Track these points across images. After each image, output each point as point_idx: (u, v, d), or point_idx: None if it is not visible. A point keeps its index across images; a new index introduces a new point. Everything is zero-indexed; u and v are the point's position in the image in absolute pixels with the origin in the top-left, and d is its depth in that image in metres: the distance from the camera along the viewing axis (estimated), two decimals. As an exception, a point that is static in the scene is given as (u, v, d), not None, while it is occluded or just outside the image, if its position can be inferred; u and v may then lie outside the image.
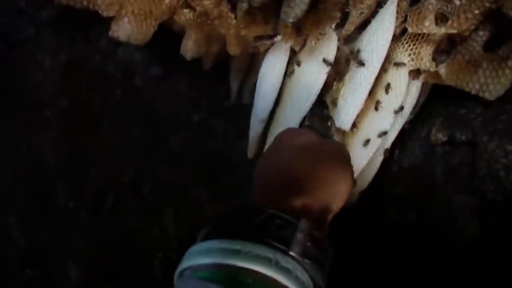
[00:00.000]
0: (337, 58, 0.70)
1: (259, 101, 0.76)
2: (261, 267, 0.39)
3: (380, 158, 0.73)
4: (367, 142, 0.71)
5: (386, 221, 0.74)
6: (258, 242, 0.40)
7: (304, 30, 0.68)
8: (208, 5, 0.68)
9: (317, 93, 0.71)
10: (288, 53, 0.73)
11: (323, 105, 0.72)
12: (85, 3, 0.67)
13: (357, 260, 0.72)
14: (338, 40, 0.69)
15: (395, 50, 0.68)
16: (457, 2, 0.60)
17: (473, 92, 0.63)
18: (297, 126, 0.73)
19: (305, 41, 0.71)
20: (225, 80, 0.84)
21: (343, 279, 0.48)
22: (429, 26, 0.62)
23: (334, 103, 0.71)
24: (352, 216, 0.59)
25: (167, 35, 0.75)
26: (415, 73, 0.69)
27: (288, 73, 0.74)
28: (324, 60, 0.69)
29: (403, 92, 0.69)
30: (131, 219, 0.85)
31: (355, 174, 0.71)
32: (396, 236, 0.72)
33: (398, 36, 0.67)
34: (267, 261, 0.39)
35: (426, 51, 0.66)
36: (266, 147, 0.78)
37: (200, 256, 0.41)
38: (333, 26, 0.68)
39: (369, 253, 0.74)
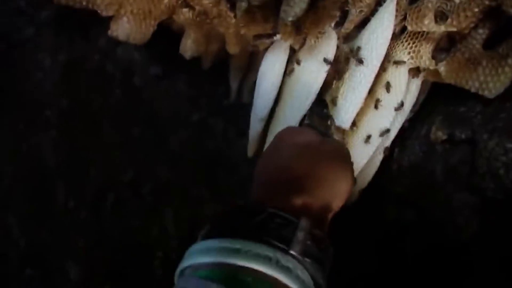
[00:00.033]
0: (336, 57, 0.70)
1: (258, 100, 0.76)
2: (261, 266, 0.39)
3: (380, 157, 0.73)
4: (368, 138, 0.71)
5: (386, 219, 0.74)
6: (259, 241, 0.40)
7: (303, 29, 0.68)
8: (207, 4, 0.68)
9: (317, 92, 0.71)
10: (287, 51, 0.73)
11: (322, 104, 0.72)
12: (84, 3, 0.67)
13: (357, 259, 0.72)
14: (338, 38, 0.69)
15: (394, 49, 0.68)
16: (457, 0, 0.60)
17: (473, 90, 0.63)
18: (297, 125, 0.73)
19: (304, 39, 0.71)
20: (224, 79, 0.84)
21: (343, 277, 0.48)
22: (428, 24, 0.62)
23: (334, 102, 0.71)
24: (352, 215, 0.60)
25: (166, 35, 0.74)
26: (414, 72, 0.69)
27: (287, 72, 0.74)
28: (324, 59, 0.69)
29: (403, 91, 0.69)
30: (131, 219, 0.85)
31: (356, 172, 0.71)
32: (396, 234, 0.72)
33: (398, 34, 0.67)
34: (268, 260, 0.39)
35: (426, 49, 0.66)
36: (266, 146, 0.78)
37: (200, 255, 0.41)
38: (333, 24, 0.68)
39: (369, 252, 0.74)
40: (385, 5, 0.64)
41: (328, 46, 0.69)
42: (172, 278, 0.44)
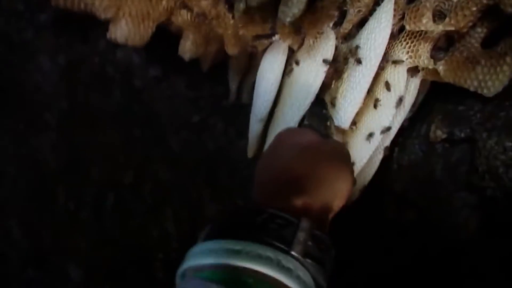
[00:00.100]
0: (335, 57, 0.70)
1: (258, 101, 0.76)
2: (262, 267, 0.39)
3: (380, 156, 0.73)
4: (370, 136, 0.71)
5: (386, 219, 0.74)
6: (260, 242, 0.40)
7: (302, 29, 0.68)
8: (205, 5, 0.68)
9: (316, 92, 0.71)
10: (286, 52, 0.73)
11: (322, 104, 0.72)
12: (82, 6, 0.67)
13: (357, 259, 0.72)
14: (336, 38, 0.69)
15: (393, 48, 0.68)
16: (455, -1, 0.60)
17: (472, 89, 0.63)
18: (296, 125, 0.73)
19: (303, 40, 0.71)
20: (223, 80, 0.84)
21: (343, 277, 0.48)
22: (426, 23, 0.62)
23: (333, 102, 0.71)
24: (352, 215, 0.60)
25: (165, 36, 0.74)
26: (413, 71, 0.69)
27: (286, 72, 0.74)
28: (323, 59, 0.69)
29: (402, 90, 0.69)
30: (132, 220, 0.85)
31: (357, 171, 0.71)
32: (396, 233, 0.72)
33: (396, 34, 0.67)
34: (269, 261, 0.39)
35: (424, 49, 0.66)
36: (266, 146, 0.78)
37: (201, 256, 0.41)
38: (331, 24, 0.68)
39: (369, 251, 0.74)
40: (383, 4, 0.64)
41: (327, 46, 0.69)
42: (173, 279, 0.44)
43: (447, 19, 0.60)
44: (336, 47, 0.70)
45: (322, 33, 0.69)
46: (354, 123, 0.71)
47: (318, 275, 0.41)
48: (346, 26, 0.68)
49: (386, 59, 0.68)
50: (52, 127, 0.81)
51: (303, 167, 0.50)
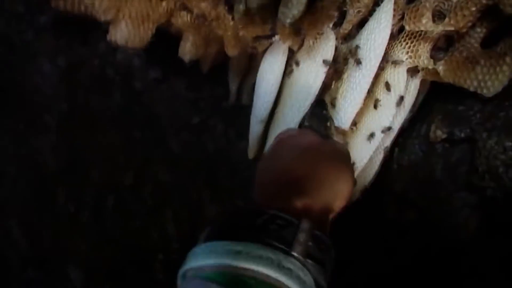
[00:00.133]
0: (335, 57, 0.70)
1: (258, 102, 0.76)
2: (263, 267, 0.39)
3: (380, 157, 0.73)
4: (371, 136, 0.71)
5: (386, 219, 0.74)
6: (260, 243, 0.40)
7: (302, 30, 0.68)
8: (205, 7, 0.68)
9: (316, 93, 0.71)
10: (286, 53, 0.73)
11: (322, 105, 0.72)
12: (82, 8, 0.67)
13: (358, 259, 0.72)
14: (336, 39, 0.69)
15: (393, 48, 0.68)
16: (454, -1, 0.60)
17: (471, 89, 0.63)
18: (297, 126, 0.73)
19: (303, 40, 0.71)
20: (223, 81, 0.84)
21: (343, 277, 0.48)
22: (426, 23, 0.62)
23: (333, 103, 0.71)
24: (352, 215, 0.60)
25: (165, 38, 0.74)
26: (413, 71, 0.69)
27: (286, 73, 0.74)
28: (323, 60, 0.69)
29: (402, 90, 0.69)
30: (132, 221, 0.85)
31: (359, 170, 0.71)
32: (396, 233, 0.72)
33: (396, 34, 0.67)
34: (269, 262, 0.39)
35: (424, 49, 0.66)
36: (266, 147, 0.78)
37: (203, 257, 0.41)
38: (331, 25, 0.68)
39: (370, 251, 0.74)
40: (382, 5, 0.64)
41: (327, 47, 0.69)
42: (173, 279, 0.44)
43: (446, 19, 0.60)
44: (336, 48, 0.70)
45: (322, 33, 0.69)
46: (354, 123, 0.71)
47: (318, 275, 0.41)
48: (346, 26, 0.68)
49: (386, 60, 0.68)
50: (52, 128, 0.81)
51: (303, 168, 0.50)
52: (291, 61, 0.73)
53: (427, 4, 0.61)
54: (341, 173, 0.51)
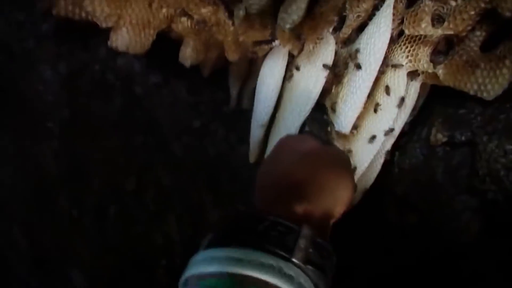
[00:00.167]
0: (335, 62, 0.71)
1: (259, 106, 0.76)
2: (264, 275, 0.39)
3: (381, 160, 0.73)
4: (372, 138, 0.71)
5: (387, 222, 0.74)
6: (261, 250, 0.40)
7: (302, 35, 0.69)
8: (205, 13, 0.68)
9: (316, 97, 0.71)
10: (286, 57, 0.73)
11: (322, 110, 0.73)
12: (83, 15, 0.67)
13: (359, 262, 0.72)
14: (336, 43, 0.70)
15: (393, 52, 0.68)
16: (453, 3, 0.60)
17: (472, 92, 0.63)
18: (297, 131, 0.73)
19: (303, 45, 0.71)
20: (224, 86, 0.84)
21: (344, 281, 0.48)
22: (425, 27, 0.62)
23: (333, 107, 0.71)
24: (353, 218, 0.60)
25: (165, 43, 0.75)
26: (413, 75, 0.69)
27: (287, 78, 0.74)
28: (323, 64, 0.69)
29: (402, 94, 0.69)
30: (134, 226, 0.85)
31: (360, 174, 0.71)
32: (397, 237, 0.72)
33: (396, 38, 0.68)
34: (271, 269, 0.39)
35: (424, 53, 0.66)
36: (267, 151, 0.78)
37: (204, 264, 0.41)
38: (331, 29, 0.69)
39: (371, 255, 0.74)
40: (382, 9, 0.65)
41: (327, 51, 0.70)
42: (176, 284, 0.44)
43: (446, 23, 0.61)
44: (336, 52, 0.70)
45: (321, 38, 0.69)
46: (355, 127, 0.71)
47: (319, 281, 0.42)
48: (346, 31, 0.68)
49: (386, 63, 0.68)
50: (54, 135, 0.81)
51: (303, 173, 0.50)
52: (291, 66, 0.74)
53: (426, 9, 0.62)
54: (341, 179, 0.51)
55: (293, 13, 0.62)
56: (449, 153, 0.69)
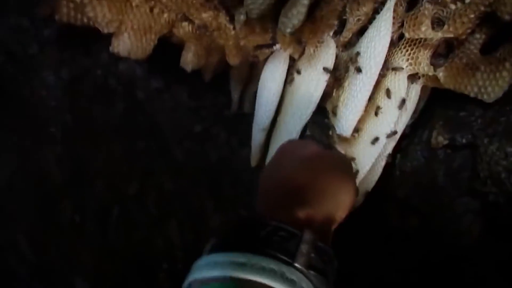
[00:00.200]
0: (336, 65, 0.71)
1: (260, 110, 0.77)
2: (267, 279, 0.39)
3: (382, 163, 0.73)
4: (375, 140, 0.71)
5: (389, 225, 0.74)
6: (264, 255, 0.41)
7: (302, 39, 0.69)
8: (206, 17, 0.69)
9: (317, 101, 0.71)
10: (287, 61, 0.74)
11: (323, 113, 0.73)
12: (85, 20, 0.68)
13: (360, 265, 0.72)
14: (337, 47, 0.70)
15: (393, 55, 0.68)
16: (453, 7, 0.61)
17: (472, 95, 0.63)
18: (298, 134, 0.73)
19: (304, 49, 0.71)
20: (225, 90, 0.84)
21: (345, 283, 0.48)
22: (425, 31, 0.63)
23: (334, 111, 0.71)
24: (355, 221, 0.60)
25: (166, 47, 0.75)
26: (414, 78, 0.69)
27: (288, 81, 0.74)
28: (323, 68, 0.70)
29: (403, 97, 0.69)
30: (137, 231, 0.86)
31: (361, 177, 0.72)
32: (399, 240, 0.72)
33: (396, 42, 0.68)
34: (273, 273, 0.39)
35: (424, 56, 0.66)
36: (268, 155, 0.78)
37: (207, 269, 0.42)
38: (331, 33, 0.69)
39: (372, 258, 0.74)
40: (382, 13, 0.65)
41: (327, 54, 0.70)
42: (178, 288, 0.44)
43: (445, 27, 0.61)
44: (337, 56, 0.70)
45: (322, 42, 0.70)
46: (356, 130, 0.71)
47: (321, 286, 0.42)
48: (346, 34, 0.68)
49: (387, 67, 0.68)
50: (57, 140, 0.82)
51: (305, 178, 0.50)
52: (292, 69, 0.74)
53: (426, 12, 0.62)
54: (343, 183, 0.51)
55: (294, 17, 0.62)
56: (450, 155, 0.69)
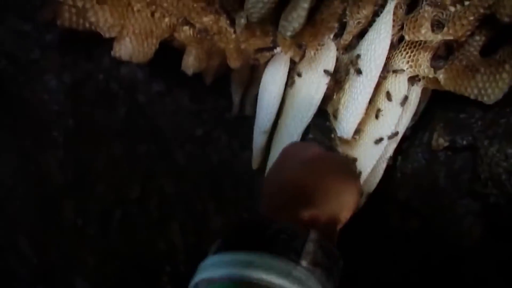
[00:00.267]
0: (336, 68, 0.71)
1: (261, 113, 0.77)
2: (274, 277, 0.39)
3: (383, 165, 0.74)
4: (377, 141, 0.71)
5: (390, 227, 0.74)
6: (270, 253, 0.41)
7: (303, 41, 0.69)
8: (207, 21, 0.69)
9: (318, 103, 0.72)
10: (288, 64, 0.74)
11: (324, 116, 0.73)
12: (87, 25, 0.68)
13: (361, 267, 0.72)
14: (337, 49, 0.70)
15: (393, 58, 0.69)
16: (452, 9, 0.61)
17: (472, 97, 0.63)
18: (300, 137, 0.73)
19: (304, 52, 0.72)
20: (226, 93, 0.84)
21: (346, 285, 0.49)
22: (425, 33, 0.63)
23: (335, 113, 0.71)
24: (356, 223, 0.60)
25: (168, 51, 0.75)
26: (414, 80, 0.70)
27: (289, 84, 0.75)
28: (324, 70, 0.70)
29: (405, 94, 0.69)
30: (138, 233, 0.85)
31: (363, 179, 0.72)
32: (400, 241, 0.73)
33: (396, 44, 0.68)
34: (280, 272, 0.40)
35: (424, 58, 0.66)
36: (270, 158, 0.79)
37: (214, 268, 0.42)
38: (332, 36, 0.69)
39: (373, 259, 0.74)
40: (382, 15, 0.65)
41: (328, 57, 0.70)
42: (181, 291, 0.44)
43: (445, 29, 0.61)
44: (337, 58, 0.71)
45: (323, 44, 0.70)
46: (357, 133, 0.71)
47: (327, 284, 0.42)
48: (347, 37, 0.69)
49: (387, 69, 0.69)
50: (59, 144, 0.82)
51: (309, 180, 0.51)
52: (293, 72, 0.74)
53: (426, 14, 0.62)
54: (346, 184, 0.51)
55: (294, 21, 0.63)
56: (450, 157, 0.69)
